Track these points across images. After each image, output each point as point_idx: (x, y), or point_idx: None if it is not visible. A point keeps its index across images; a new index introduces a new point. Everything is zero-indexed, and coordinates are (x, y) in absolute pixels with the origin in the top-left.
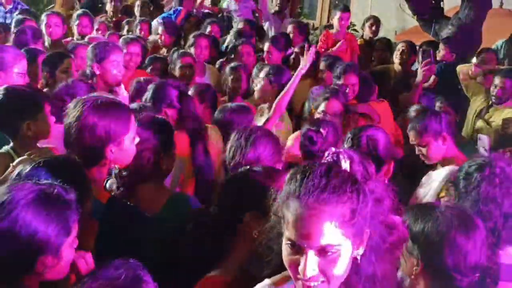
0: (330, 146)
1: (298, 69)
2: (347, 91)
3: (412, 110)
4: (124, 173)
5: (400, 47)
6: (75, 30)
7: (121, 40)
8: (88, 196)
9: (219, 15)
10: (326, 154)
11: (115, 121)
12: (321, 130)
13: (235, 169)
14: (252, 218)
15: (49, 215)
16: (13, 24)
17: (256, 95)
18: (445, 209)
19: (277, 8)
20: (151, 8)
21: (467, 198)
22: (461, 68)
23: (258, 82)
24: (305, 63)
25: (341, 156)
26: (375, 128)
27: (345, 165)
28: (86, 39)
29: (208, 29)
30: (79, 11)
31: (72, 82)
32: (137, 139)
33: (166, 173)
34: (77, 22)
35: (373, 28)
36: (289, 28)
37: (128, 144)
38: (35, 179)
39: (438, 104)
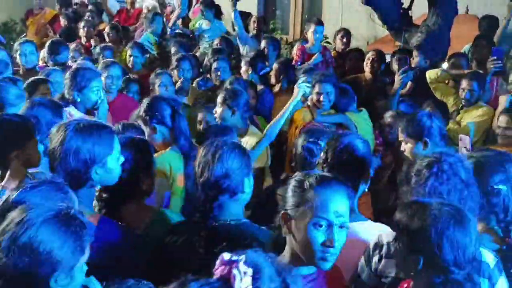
0: None
1: (291, 98)
2: (321, 99)
3: (387, 116)
4: (104, 195)
5: (370, 55)
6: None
7: (100, 64)
8: None
9: (190, 35)
10: (217, 263)
11: (98, 143)
12: (320, 142)
13: (204, 186)
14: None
15: (66, 233)
16: None
17: (219, 122)
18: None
19: (254, 32)
20: (121, 34)
21: (414, 194)
22: (429, 73)
23: (217, 108)
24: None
25: (235, 271)
26: (351, 137)
27: (243, 283)
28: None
29: (173, 50)
30: (56, 39)
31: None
32: (122, 159)
33: (147, 192)
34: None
35: (344, 40)
36: (263, 44)
37: (112, 164)
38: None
39: (428, 109)
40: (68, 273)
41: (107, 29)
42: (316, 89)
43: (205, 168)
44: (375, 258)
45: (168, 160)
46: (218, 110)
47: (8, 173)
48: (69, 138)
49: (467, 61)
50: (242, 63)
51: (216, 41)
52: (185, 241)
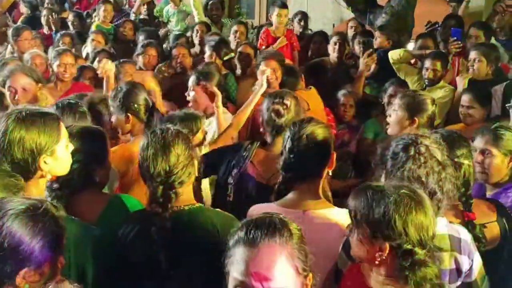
0: (294, 116)
1: (257, 87)
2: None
3: (341, 95)
4: (55, 185)
5: (336, 40)
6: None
7: (54, 51)
8: None
9: (155, 21)
10: None
11: (44, 131)
12: (286, 101)
13: (159, 176)
14: None
15: (34, 228)
16: None
17: (192, 105)
18: (397, 189)
19: (214, 17)
20: (85, 21)
21: (392, 178)
22: (391, 54)
23: (190, 91)
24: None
25: None
26: (312, 124)
27: None
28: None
29: (141, 37)
30: (18, 25)
31: None
32: (71, 146)
33: (102, 184)
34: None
35: (302, 23)
36: (235, 27)
37: (61, 152)
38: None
39: (391, 88)
40: (37, 270)
41: (70, 17)
42: (262, 67)
43: (155, 160)
44: None
45: None
46: (191, 92)
47: None
48: (12, 128)
49: (434, 42)
50: (206, 48)
51: (197, 27)
52: (140, 231)
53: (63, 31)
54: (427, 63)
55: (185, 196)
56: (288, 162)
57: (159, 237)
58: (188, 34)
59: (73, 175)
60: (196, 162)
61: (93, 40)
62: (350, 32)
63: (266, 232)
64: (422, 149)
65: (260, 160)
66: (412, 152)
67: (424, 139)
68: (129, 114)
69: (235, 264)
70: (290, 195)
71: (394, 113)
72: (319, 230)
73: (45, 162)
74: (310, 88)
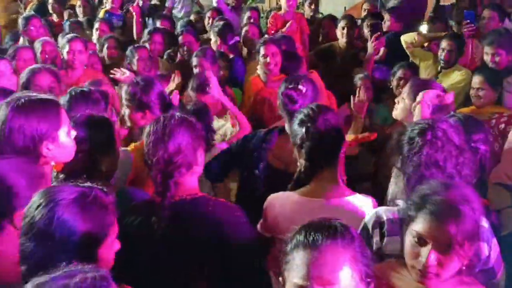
0: (310, 102)
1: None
2: (268, 60)
3: (357, 79)
4: (61, 175)
5: (343, 24)
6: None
7: (64, 39)
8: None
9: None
10: None
11: (44, 118)
12: (300, 87)
13: (159, 165)
14: None
15: (85, 217)
16: None
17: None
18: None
19: (233, 4)
20: (94, 8)
21: (409, 163)
22: (404, 38)
23: (190, 92)
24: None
25: None
26: (324, 110)
27: None
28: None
29: (158, 23)
30: (27, 14)
31: None
32: (73, 132)
33: (109, 174)
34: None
35: (312, 6)
36: (248, 13)
37: (64, 138)
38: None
39: (400, 71)
40: (90, 261)
41: (79, 3)
42: (262, 52)
43: (156, 146)
44: (376, 238)
45: None
46: (191, 93)
47: None
48: (11, 116)
49: (446, 23)
50: (211, 34)
51: (208, 14)
52: (142, 221)
53: (72, 19)
54: (443, 43)
55: (187, 185)
56: (306, 151)
57: (158, 227)
58: (191, 17)
59: (78, 165)
60: (199, 153)
61: (97, 29)
62: (364, 15)
63: (327, 234)
64: (439, 133)
65: (277, 146)
66: (429, 137)
67: (441, 123)
68: (146, 111)
69: (295, 268)
70: (311, 184)
71: (402, 101)
72: (342, 218)
73: (47, 148)
74: (312, 72)
